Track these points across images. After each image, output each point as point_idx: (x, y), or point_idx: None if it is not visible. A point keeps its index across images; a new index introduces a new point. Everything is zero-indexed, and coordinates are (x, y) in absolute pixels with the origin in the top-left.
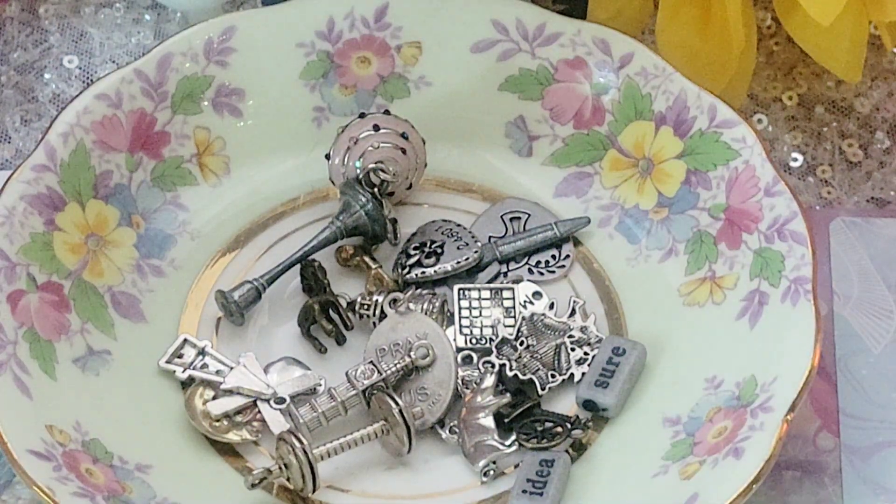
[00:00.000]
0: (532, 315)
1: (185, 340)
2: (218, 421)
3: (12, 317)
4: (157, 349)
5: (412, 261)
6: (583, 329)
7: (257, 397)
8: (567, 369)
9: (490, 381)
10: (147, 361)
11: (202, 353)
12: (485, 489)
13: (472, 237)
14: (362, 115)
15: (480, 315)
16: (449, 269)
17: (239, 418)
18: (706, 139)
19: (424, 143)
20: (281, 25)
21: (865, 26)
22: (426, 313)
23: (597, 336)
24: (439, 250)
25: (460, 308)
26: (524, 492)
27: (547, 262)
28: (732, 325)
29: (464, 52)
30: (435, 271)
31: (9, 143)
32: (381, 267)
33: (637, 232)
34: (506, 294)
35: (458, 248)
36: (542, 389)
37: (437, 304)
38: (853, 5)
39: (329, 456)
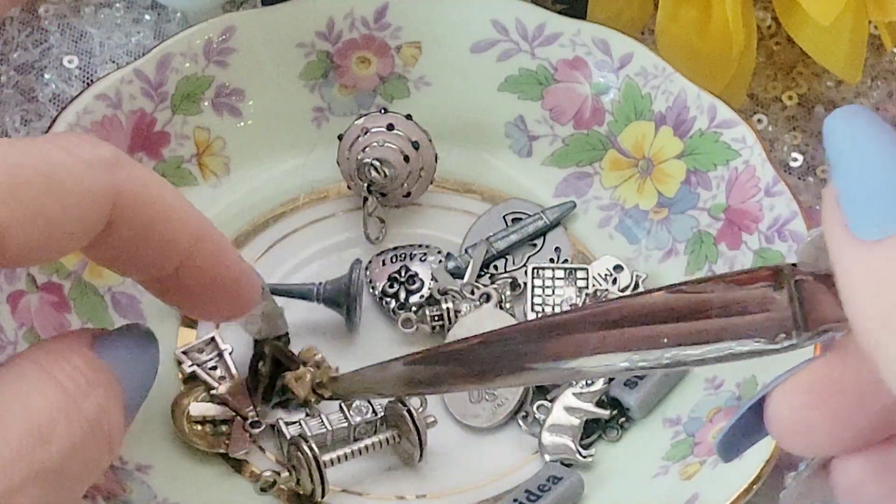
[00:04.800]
0: (595, 292)
1: (213, 339)
2: (199, 424)
3: (12, 317)
4: None
5: (403, 296)
6: None
7: (238, 413)
8: None
9: (600, 385)
10: None
11: (220, 355)
12: (485, 490)
13: (420, 246)
14: (384, 111)
15: (553, 294)
16: (436, 277)
17: (223, 429)
18: (706, 139)
19: (437, 160)
20: (281, 25)
21: (865, 26)
22: (501, 301)
23: None
24: (411, 272)
25: (533, 286)
26: (515, 500)
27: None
28: None
29: (464, 52)
30: (430, 287)
31: None
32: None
33: (637, 232)
34: (580, 274)
35: (422, 259)
36: None
37: (507, 289)
38: (853, 5)
39: (340, 462)
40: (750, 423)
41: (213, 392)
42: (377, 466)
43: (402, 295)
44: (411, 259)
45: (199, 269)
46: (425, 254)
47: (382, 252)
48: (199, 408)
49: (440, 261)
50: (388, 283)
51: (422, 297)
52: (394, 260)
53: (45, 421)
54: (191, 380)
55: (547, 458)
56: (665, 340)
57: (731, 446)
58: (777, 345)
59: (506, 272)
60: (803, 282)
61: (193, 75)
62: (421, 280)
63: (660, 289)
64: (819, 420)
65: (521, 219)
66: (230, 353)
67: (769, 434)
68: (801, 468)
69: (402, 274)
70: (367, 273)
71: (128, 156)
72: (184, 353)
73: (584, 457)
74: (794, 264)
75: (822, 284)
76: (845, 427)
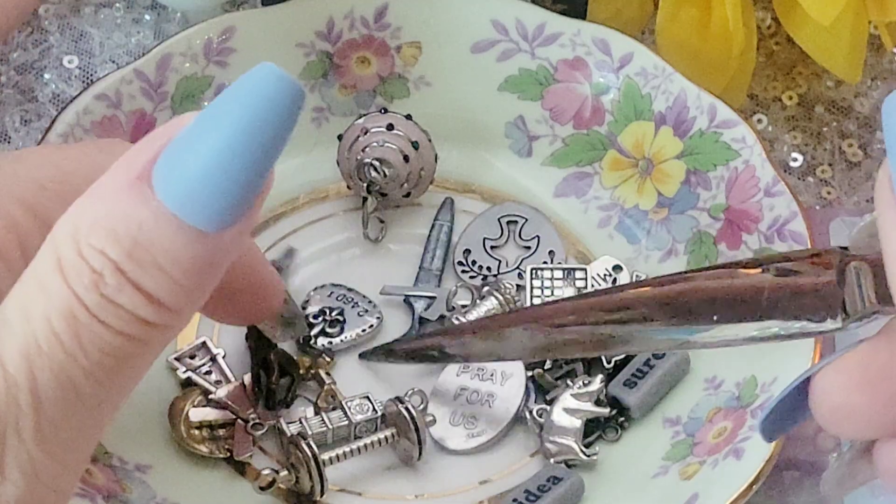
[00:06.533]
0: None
1: (203, 343)
2: (198, 429)
3: None
4: None
5: (317, 330)
6: None
7: (238, 417)
8: None
9: (597, 385)
10: None
11: (213, 359)
12: (485, 490)
13: (370, 302)
14: (384, 111)
15: (552, 294)
16: (354, 337)
17: (221, 433)
18: (706, 139)
19: (437, 160)
20: (281, 25)
21: (865, 26)
22: (503, 303)
23: None
24: (340, 318)
25: (532, 287)
26: (515, 500)
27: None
28: None
29: (464, 52)
30: (342, 340)
31: (9, 143)
32: (334, 383)
33: (637, 232)
34: (578, 274)
35: (359, 314)
36: (608, 363)
37: (511, 292)
38: (853, 5)
39: (339, 460)
40: (794, 403)
41: (211, 397)
42: (376, 465)
43: (317, 329)
44: (353, 307)
45: (232, 273)
46: (366, 310)
47: (339, 286)
48: (198, 413)
49: (377, 317)
50: (316, 314)
51: (330, 342)
52: (339, 298)
53: (43, 337)
54: (187, 383)
55: (552, 461)
56: (715, 318)
57: (774, 426)
58: (824, 327)
59: (499, 273)
60: (852, 265)
61: (193, 75)
62: (342, 328)
63: (715, 267)
64: (864, 403)
65: (516, 221)
66: (223, 357)
67: (812, 416)
68: (844, 449)
69: (331, 314)
70: (312, 293)
71: None
72: (176, 359)
73: (588, 455)
74: (845, 247)
75: (872, 268)
76: (890, 411)
